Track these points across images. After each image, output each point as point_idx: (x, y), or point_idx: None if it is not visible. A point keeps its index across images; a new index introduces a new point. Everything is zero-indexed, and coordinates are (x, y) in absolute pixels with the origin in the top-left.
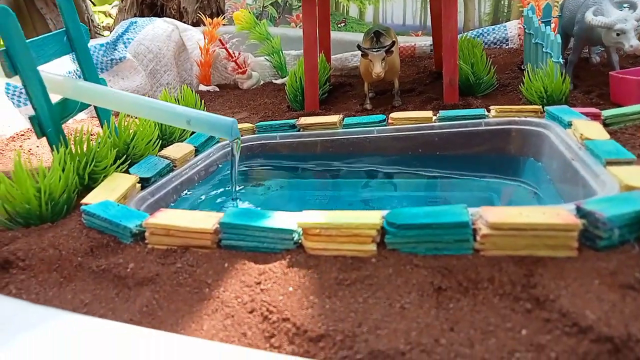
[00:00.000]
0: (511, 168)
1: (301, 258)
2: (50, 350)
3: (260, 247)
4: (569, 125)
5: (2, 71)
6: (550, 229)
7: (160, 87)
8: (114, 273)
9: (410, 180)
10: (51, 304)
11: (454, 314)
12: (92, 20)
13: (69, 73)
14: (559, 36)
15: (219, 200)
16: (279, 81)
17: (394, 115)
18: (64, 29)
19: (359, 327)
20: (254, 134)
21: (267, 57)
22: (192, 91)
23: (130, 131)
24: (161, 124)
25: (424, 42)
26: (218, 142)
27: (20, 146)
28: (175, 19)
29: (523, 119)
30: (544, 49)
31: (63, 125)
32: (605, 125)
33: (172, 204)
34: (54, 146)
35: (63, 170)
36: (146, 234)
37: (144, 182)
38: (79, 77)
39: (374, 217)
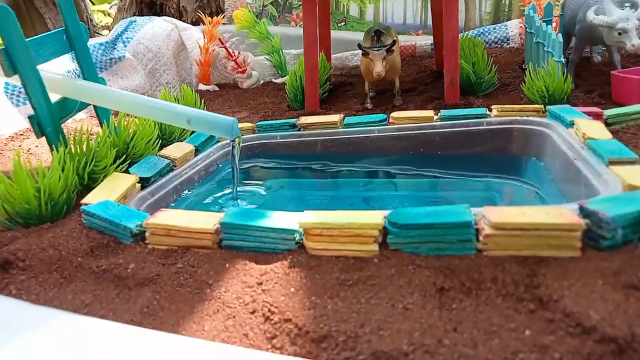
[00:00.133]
0: (513, 168)
1: (303, 258)
2: (51, 351)
3: (262, 247)
4: (571, 124)
5: (1, 70)
6: (554, 228)
7: (159, 86)
8: (115, 273)
9: (411, 180)
10: (51, 304)
11: (457, 314)
12: (91, 19)
13: (68, 72)
14: (560, 35)
15: (219, 200)
16: (278, 80)
17: (395, 114)
18: (64, 27)
19: (362, 327)
20: (254, 133)
21: (267, 57)
22: (192, 90)
23: (130, 131)
24: (161, 124)
25: (425, 41)
26: (218, 141)
27: (20, 146)
28: (174, 17)
29: (525, 118)
30: (545, 48)
31: (62, 125)
32: (607, 124)
33: (172, 204)
34: (53, 146)
35: (63, 170)
36: (146, 234)
37: (144, 182)
38: (78, 76)
39: (376, 217)
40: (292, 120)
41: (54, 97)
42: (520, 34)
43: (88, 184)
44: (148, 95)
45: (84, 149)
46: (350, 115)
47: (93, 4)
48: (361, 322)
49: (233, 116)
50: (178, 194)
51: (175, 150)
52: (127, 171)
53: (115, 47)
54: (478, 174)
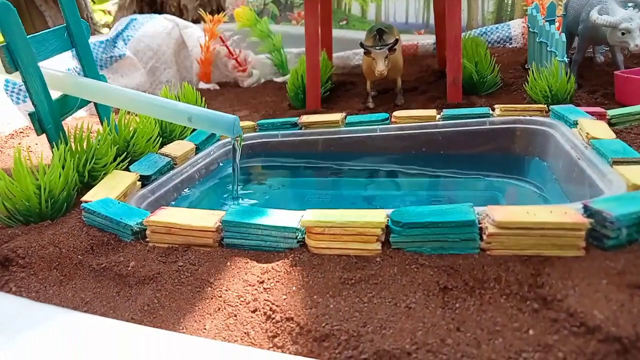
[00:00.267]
0: (516, 167)
1: (305, 257)
2: (51, 348)
3: (263, 245)
4: (574, 124)
5: (2, 67)
6: (558, 228)
7: (160, 84)
8: (115, 271)
9: (413, 179)
10: (51, 302)
11: (460, 313)
12: (91, 17)
13: (68, 70)
14: (563, 35)
15: (220, 198)
16: (279, 79)
17: (397, 113)
18: (65, 24)
19: (364, 326)
20: (256, 132)
21: (268, 55)
22: (193, 88)
23: (131, 128)
24: (161, 122)
25: (427, 40)
26: (219, 139)
27: (19, 143)
28: (175, 16)
29: (528, 118)
30: (548, 48)
31: (62, 123)
32: (610, 124)
33: (173, 202)
34: (53, 143)
35: (63, 167)
36: (147, 232)
37: (145, 180)
38: (79, 73)
39: (378, 216)
40: (294, 119)
41: (54, 95)
42: (523, 34)
43: (88, 182)
44: (148, 94)
45: (85, 146)
46: (352, 114)
47: (94, 2)
48: (363, 321)
49: (234, 114)
50: (178, 192)
51: (176, 148)
52: (127, 169)
53: (116, 45)
54: (481, 173)
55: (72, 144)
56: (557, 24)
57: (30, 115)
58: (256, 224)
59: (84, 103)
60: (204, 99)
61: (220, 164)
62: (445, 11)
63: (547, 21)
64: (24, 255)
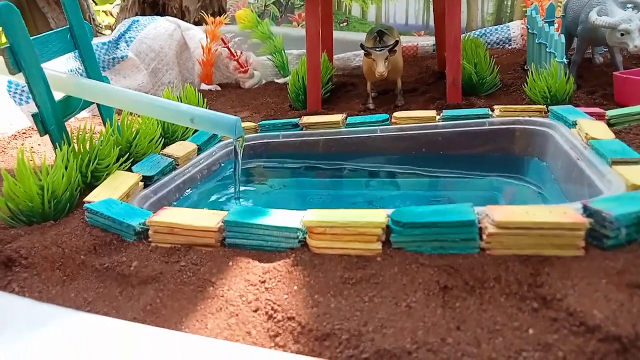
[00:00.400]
0: (515, 168)
1: (306, 257)
2: (54, 348)
3: (265, 245)
4: (573, 124)
5: (5, 69)
6: (557, 227)
7: (162, 86)
8: (118, 271)
9: (413, 179)
10: (54, 302)
11: (460, 313)
12: (93, 19)
13: (71, 71)
14: (562, 36)
15: (221, 198)
16: (280, 80)
17: (397, 114)
18: (68, 26)
19: (365, 326)
20: (257, 132)
21: (269, 57)
22: (195, 90)
23: (133, 129)
24: (164, 122)
25: (427, 41)
26: (220, 140)
27: (22, 144)
28: (177, 17)
29: (527, 118)
30: (547, 49)
31: (65, 124)
32: (609, 125)
33: (175, 203)
34: (56, 144)
35: (66, 168)
36: (150, 232)
37: (147, 180)
38: (82, 74)
39: (379, 216)
40: (295, 120)
41: (57, 96)
42: (522, 35)
43: (91, 182)
44: (151, 95)
45: (87, 147)
46: (353, 115)
47: (96, 4)
48: (364, 321)
49: (235, 115)
50: (180, 193)
51: (178, 149)
52: (130, 169)
53: (118, 46)
54: (480, 174)
55: (75, 145)
56: (556, 25)
57: (34, 116)
58: (258, 224)
59: (87, 104)
60: (205, 100)
61: (222, 165)
62: (445, 12)
63: (546, 22)
64: (27, 256)
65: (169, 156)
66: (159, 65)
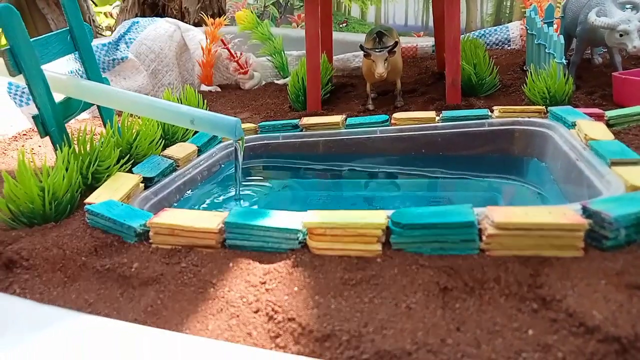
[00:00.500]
0: (515, 169)
1: (306, 258)
2: (55, 349)
3: (265, 246)
4: (573, 125)
5: (6, 70)
6: (557, 228)
7: (162, 87)
8: (118, 273)
9: (413, 180)
10: (55, 303)
11: (460, 314)
12: (93, 20)
13: (71, 72)
14: (562, 37)
15: (222, 200)
16: (280, 81)
17: (397, 115)
18: (68, 28)
19: (365, 327)
20: (257, 134)
21: (268, 58)
22: (195, 91)
23: (133, 131)
24: (164, 124)
25: (426, 42)
26: (221, 141)
27: (23, 146)
28: (176, 19)
29: (526, 119)
30: (546, 50)
31: (66, 125)
32: (608, 125)
33: (175, 204)
34: (57, 145)
35: (66, 169)
36: (150, 233)
37: (147, 182)
38: (82, 76)
39: (379, 217)
40: (295, 121)
41: (57, 97)
42: (521, 36)
43: (92, 184)
44: (150, 96)
45: (88, 148)
46: (352, 116)
47: (95, 5)
48: (364, 322)
49: (235, 117)
50: (181, 194)
51: (178, 150)
52: (130, 171)
53: (118, 47)
54: (479, 174)
55: (76, 146)
56: (555, 26)
57: (34, 117)
58: (258, 226)
59: (87, 106)
60: (205, 101)
61: (222, 166)
62: (444, 13)
63: (545, 23)
64: (27, 257)
65: (170, 157)
66: (158, 66)
